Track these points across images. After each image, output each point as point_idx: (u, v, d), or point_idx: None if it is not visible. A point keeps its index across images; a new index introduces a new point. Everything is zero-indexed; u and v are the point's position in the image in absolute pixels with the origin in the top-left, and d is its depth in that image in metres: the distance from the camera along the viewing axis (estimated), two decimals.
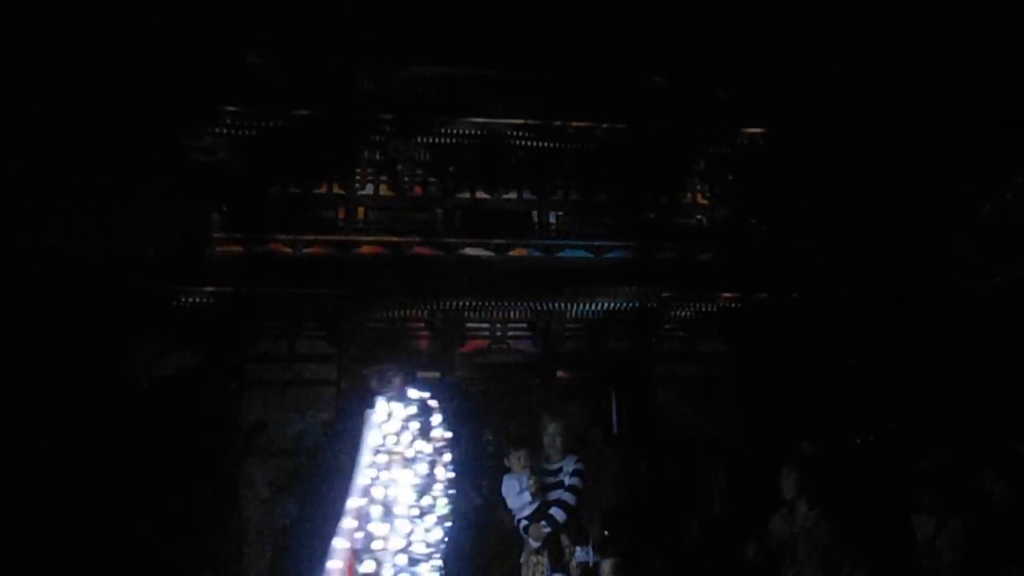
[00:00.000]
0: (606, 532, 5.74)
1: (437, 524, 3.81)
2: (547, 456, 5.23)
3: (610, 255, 12.82)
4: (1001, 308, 10.87)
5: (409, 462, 3.71)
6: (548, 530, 4.93)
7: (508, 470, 5.25)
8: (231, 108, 11.43)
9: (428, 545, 3.71)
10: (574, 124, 12.36)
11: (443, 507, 3.88)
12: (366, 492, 3.51)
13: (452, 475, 4.03)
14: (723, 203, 13.58)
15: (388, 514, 3.51)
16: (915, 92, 12.38)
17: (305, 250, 12.15)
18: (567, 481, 5.04)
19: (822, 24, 13.25)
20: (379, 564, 3.40)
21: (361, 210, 12.74)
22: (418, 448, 3.79)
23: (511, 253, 12.63)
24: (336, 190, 12.69)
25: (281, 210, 12.27)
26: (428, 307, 11.44)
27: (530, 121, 12.23)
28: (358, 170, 12.76)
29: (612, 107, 12.68)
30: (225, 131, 11.67)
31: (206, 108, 11.35)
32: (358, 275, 11.43)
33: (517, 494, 5.13)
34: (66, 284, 9.57)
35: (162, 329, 10.62)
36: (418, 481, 3.73)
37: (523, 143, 12.47)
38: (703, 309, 11.79)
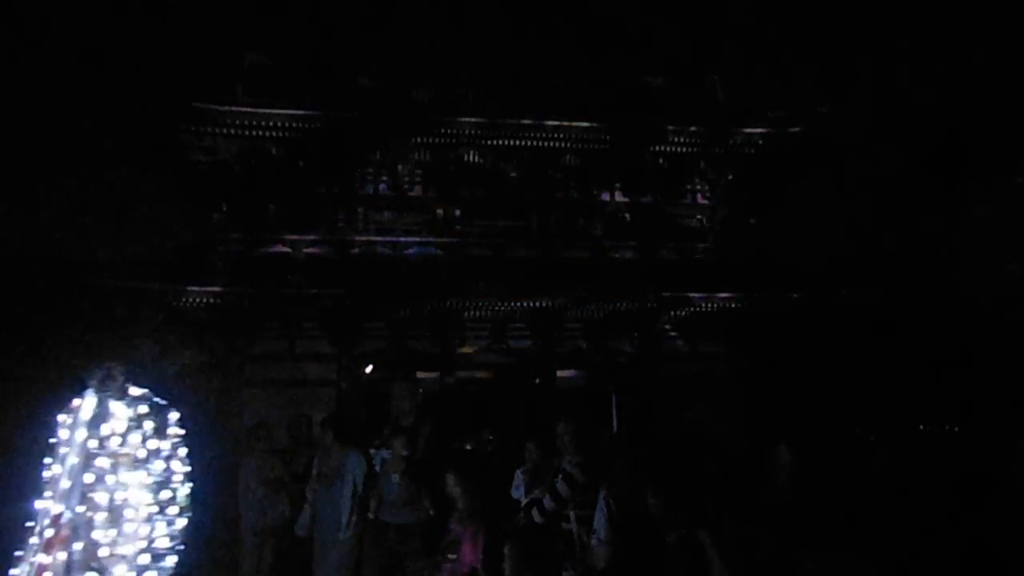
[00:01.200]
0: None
1: (180, 515, 3.75)
2: (559, 454, 5.25)
3: (610, 255, 12.82)
4: (1001, 308, 10.87)
5: (141, 462, 3.55)
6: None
7: (512, 466, 5.39)
8: (232, 108, 11.44)
9: (172, 538, 3.64)
10: (574, 124, 12.36)
11: (184, 499, 3.79)
12: (85, 499, 3.31)
13: (188, 469, 3.91)
14: (723, 203, 13.57)
15: (116, 520, 3.34)
16: (916, 92, 12.40)
17: (305, 250, 12.16)
18: (557, 485, 5.05)
19: (822, 24, 13.27)
20: (104, 572, 3.24)
21: (361, 210, 12.75)
22: (151, 447, 3.62)
23: (511, 253, 12.63)
24: (336, 190, 12.70)
25: (281, 210, 12.28)
26: (428, 307, 11.43)
27: (530, 121, 12.22)
28: (358, 170, 12.76)
29: (612, 107, 12.68)
30: (226, 131, 11.68)
31: (207, 108, 11.35)
32: (358, 275, 11.44)
33: (515, 488, 5.30)
34: (67, 284, 9.59)
35: (162, 329, 10.63)
36: (152, 480, 3.58)
37: (523, 143, 12.47)
38: (703, 309, 11.79)
